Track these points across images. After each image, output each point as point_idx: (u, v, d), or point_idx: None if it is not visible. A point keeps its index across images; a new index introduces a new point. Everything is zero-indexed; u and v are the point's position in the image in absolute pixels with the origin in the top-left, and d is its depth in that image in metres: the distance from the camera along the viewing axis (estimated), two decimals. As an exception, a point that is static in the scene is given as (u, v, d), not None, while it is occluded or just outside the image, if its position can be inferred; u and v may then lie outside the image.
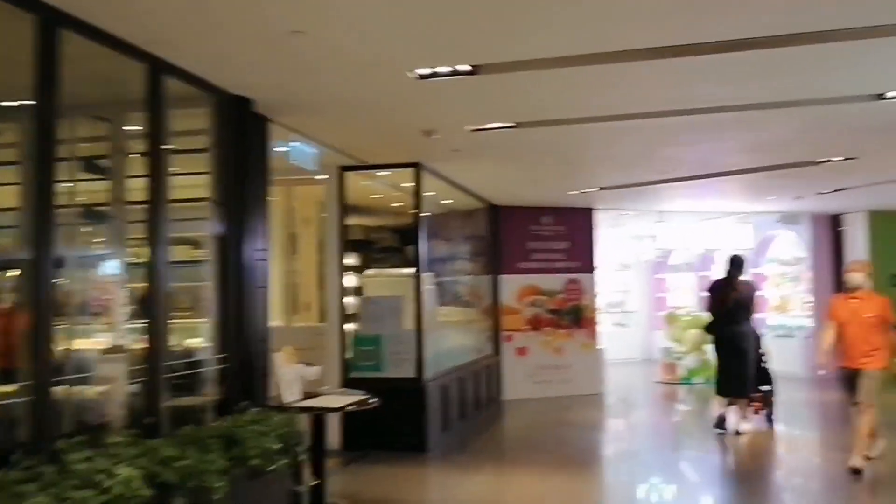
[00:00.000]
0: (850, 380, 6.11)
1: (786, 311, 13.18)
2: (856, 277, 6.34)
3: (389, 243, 9.66)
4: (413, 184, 7.21)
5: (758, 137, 6.43)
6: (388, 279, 7.86)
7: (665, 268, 16.31)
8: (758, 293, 8.32)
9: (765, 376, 8.09)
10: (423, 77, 4.41)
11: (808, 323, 12.51)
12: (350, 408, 4.76)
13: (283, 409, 4.68)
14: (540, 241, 10.80)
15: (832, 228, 12.54)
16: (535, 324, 10.66)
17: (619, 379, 12.67)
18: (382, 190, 8.68)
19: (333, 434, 7.03)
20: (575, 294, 10.88)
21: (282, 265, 7.65)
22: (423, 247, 7.39)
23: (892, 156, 7.20)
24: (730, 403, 7.92)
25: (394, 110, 5.36)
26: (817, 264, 12.44)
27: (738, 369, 7.75)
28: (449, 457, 7.16)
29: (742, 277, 8.09)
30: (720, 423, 7.88)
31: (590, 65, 4.24)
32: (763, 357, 8.10)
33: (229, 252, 4.75)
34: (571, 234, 10.94)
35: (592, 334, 10.96)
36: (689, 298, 15.55)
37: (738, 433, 7.77)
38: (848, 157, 7.15)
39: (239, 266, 4.81)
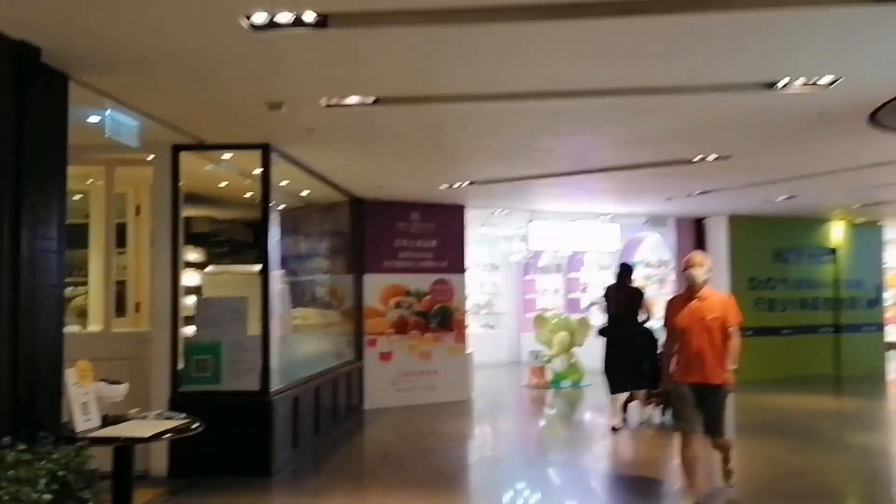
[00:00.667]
0: (686, 398, 5.06)
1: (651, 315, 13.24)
2: (696, 274, 5.20)
3: (238, 237, 8.64)
4: (261, 169, 6.26)
5: (634, 131, 6.06)
6: (233, 277, 6.89)
7: (534, 269, 16.15)
8: (647, 296, 8.73)
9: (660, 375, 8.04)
10: (258, 28, 3.56)
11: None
12: (164, 437, 3.80)
13: (73, 440, 3.66)
14: (408, 238, 10.11)
15: (696, 232, 12.72)
16: (401, 327, 9.96)
17: (488, 383, 12.21)
18: (230, 177, 7.66)
19: (159, 459, 5.99)
20: (443, 295, 10.28)
21: (105, 260, 6.46)
22: (273, 241, 6.47)
23: (765, 156, 7.09)
24: (628, 400, 8.35)
25: (230, 73, 4.44)
26: (681, 267, 12.54)
27: (631, 366, 8.10)
28: (298, 479, 6.29)
29: (633, 283, 8.66)
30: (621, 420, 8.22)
31: (463, 23, 3.56)
32: (659, 357, 7.98)
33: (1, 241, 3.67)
34: (441, 232, 10.33)
35: (461, 338, 10.40)
36: (557, 300, 15.46)
37: (613, 429, 8.07)
38: (722, 156, 6.95)
39: (15, 259, 3.74)
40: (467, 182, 8.47)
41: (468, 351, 10.57)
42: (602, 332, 8.61)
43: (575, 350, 12.04)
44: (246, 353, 6.08)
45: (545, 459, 7.53)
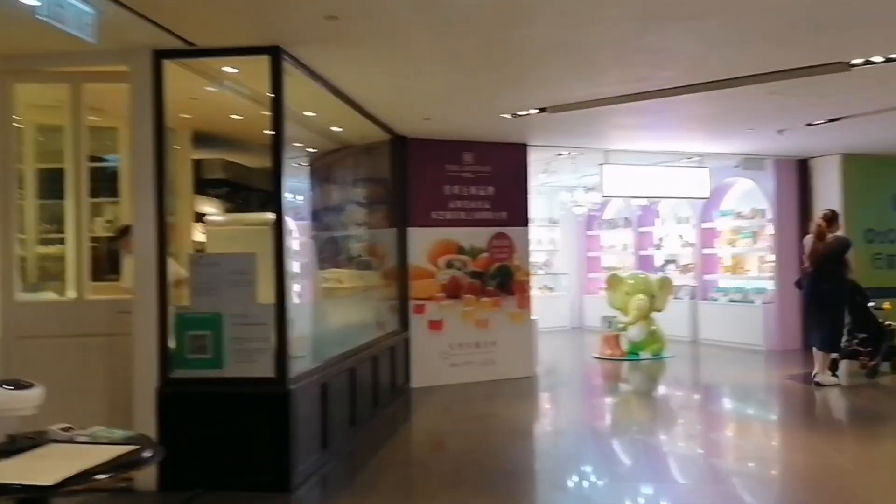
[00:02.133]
0: None
1: (741, 272, 11.41)
2: None
3: (259, 185, 7.13)
4: (271, 81, 4.64)
5: (783, 15, 4.26)
6: (244, 231, 5.33)
7: (598, 223, 14.35)
8: (850, 248, 8.03)
9: (870, 328, 8.28)
10: None
11: (769, 286, 10.77)
12: (73, 487, 2.25)
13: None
14: (460, 184, 8.45)
15: (799, 175, 10.75)
16: (454, 290, 8.37)
17: (552, 355, 10.60)
18: (244, 107, 6.11)
19: (148, 468, 4.54)
20: (503, 252, 8.63)
21: (75, 209, 4.98)
22: (293, 184, 4.89)
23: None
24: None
25: None
26: (781, 218, 10.65)
27: (823, 324, 7.85)
28: (327, 495, 4.81)
29: (836, 232, 8.00)
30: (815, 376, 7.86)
31: None
32: (867, 309, 8.30)
33: None
34: (499, 176, 8.64)
35: (524, 303, 8.76)
36: (626, 258, 13.68)
37: (816, 384, 7.84)
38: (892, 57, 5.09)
39: None
40: (536, 109, 6.73)
41: (532, 317, 8.94)
42: (798, 284, 8.49)
43: (654, 315, 10.32)
44: (256, 328, 4.55)
45: (633, 453, 5.91)
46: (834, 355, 7.98)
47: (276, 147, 4.63)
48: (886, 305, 8.94)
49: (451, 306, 8.33)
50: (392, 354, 7.40)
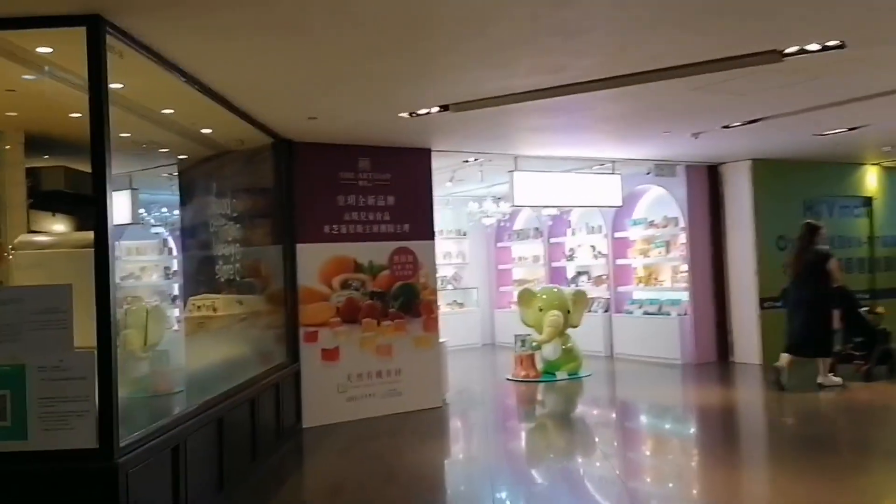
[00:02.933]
0: None
1: (655, 284, 10.97)
2: None
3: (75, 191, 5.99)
4: (87, 58, 3.56)
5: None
6: (68, 255, 4.19)
7: (509, 234, 13.71)
8: (832, 262, 8.13)
9: (864, 333, 8.51)
10: None
11: (684, 297, 10.34)
12: None
13: None
14: (356, 194, 7.51)
15: (710, 182, 10.40)
16: (351, 313, 7.40)
17: (463, 378, 9.78)
18: (82, 102, 4.96)
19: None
20: (407, 269, 7.74)
21: None
22: (109, 185, 3.73)
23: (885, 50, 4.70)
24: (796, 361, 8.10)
25: None
26: (693, 226, 10.26)
27: (810, 330, 7.95)
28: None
29: (818, 245, 8.15)
30: (777, 377, 8.04)
31: None
32: (859, 314, 8.49)
33: None
34: (401, 184, 7.75)
35: (431, 324, 7.89)
36: (537, 271, 13.08)
37: (819, 386, 8.03)
38: (829, 45, 4.54)
39: None
40: (438, 107, 5.89)
41: (441, 340, 8.08)
42: (782, 294, 8.76)
43: (570, 332, 9.68)
44: (72, 385, 3.45)
45: (550, 488, 5.12)
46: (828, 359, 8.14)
47: (97, 142, 3.55)
48: (880, 310, 8.94)
49: (348, 332, 7.36)
50: (277, 392, 6.36)
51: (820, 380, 8.08)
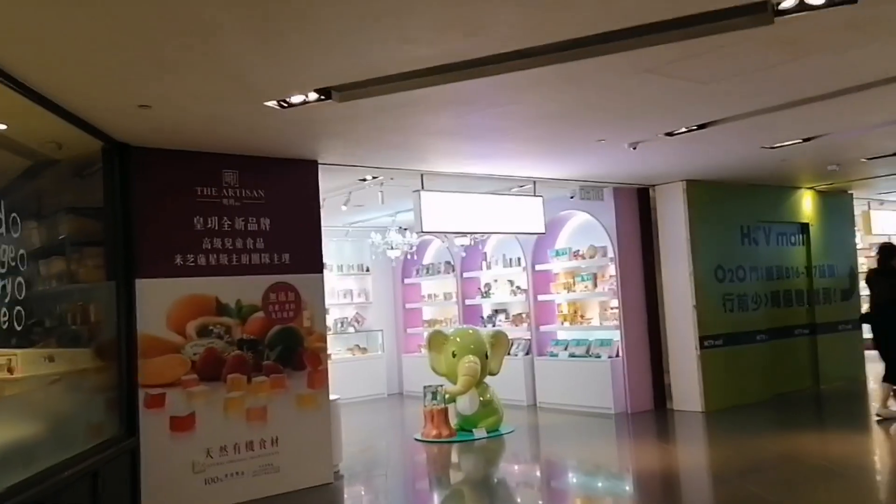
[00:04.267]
0: None
1: (581, 322, 9.75)
2: None
3: None
4: None
5: None
6: None
7: (417, 268, 12.27)
8: None
9: None
10: None
11: (614, 337, 9.14)
12: None
13: None
14: (219, 215, 5.89)
15: (640, 205, 9.33)
16: (212, 368, 5.72)
17: (364, 439, 8.17)
18: None
19: None
20: (287, 310, 6.14)
21: None
22: None
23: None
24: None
25: None
26: (623, 256, 9.13)
27: (887, 356, 7.81)
28: None
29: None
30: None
31: None
32: None
33: None
34: (279, 205, 6.19)
35: (319, 379, 6.27)
36: (449, 310, 11.68)
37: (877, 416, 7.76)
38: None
39: None
40: (315, 94, 4.41)
41: (332, 398, 6.48)
42: (864, 319, 8.68)
43: (488, 380, 8.28)
44: None
45: None
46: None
47: None
48: None
49: (207, 393, 5.67)
50: (96, 482, 4.59)
51: (878, 410, 7.77)
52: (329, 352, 6.73)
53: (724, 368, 8.86)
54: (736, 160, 7.73)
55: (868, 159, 8.11)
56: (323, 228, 6.44)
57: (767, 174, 8.83)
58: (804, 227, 10.26)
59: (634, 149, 6.59)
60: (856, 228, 11.55)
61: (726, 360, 8.91)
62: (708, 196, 9.00)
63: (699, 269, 8.79)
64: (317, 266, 6.34)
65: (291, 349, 6.07)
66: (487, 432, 8.00)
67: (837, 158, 8.05)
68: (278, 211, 6.13)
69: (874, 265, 8.30)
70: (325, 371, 6.27)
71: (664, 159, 7.48)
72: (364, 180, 7.54)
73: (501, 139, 6.12)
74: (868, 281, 8.25)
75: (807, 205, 10.28)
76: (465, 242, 10.21)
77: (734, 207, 9.30)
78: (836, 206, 10.77)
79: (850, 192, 10.93)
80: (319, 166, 6.44)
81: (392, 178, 7.49)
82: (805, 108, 5.45)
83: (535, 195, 8.40)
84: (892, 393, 7.87)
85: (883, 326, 7.88)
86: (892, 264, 7.93)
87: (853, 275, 10.85)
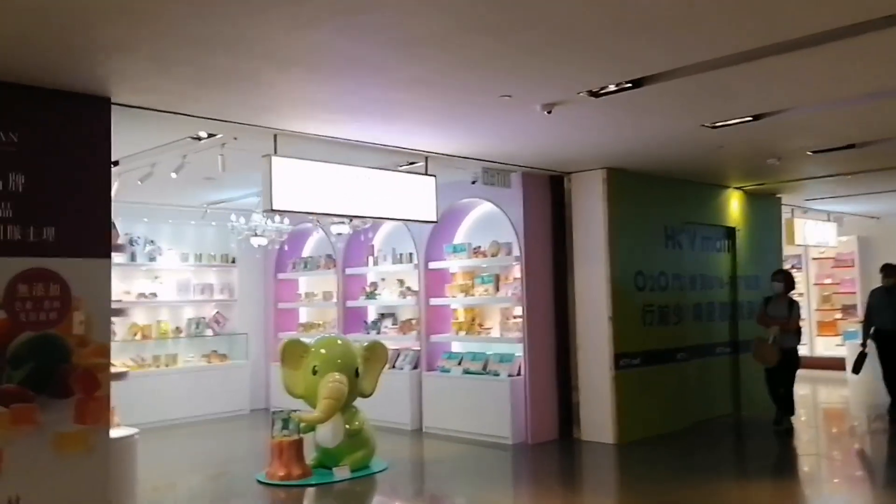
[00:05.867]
0: None
1: (479, 332, 8.20)
2: None
3: None
4: None
5: None
6: None
7: (294, 261, 10.44)
8: None
9: None
10: None
11: (517, 351, 7.63)
12: None
13: None
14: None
15: (552, 196, 7.87)
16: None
17: (187, 480, 6.31)
18: None
19: None
20: (44, 309, 4.23)
21: None
22: None
23: None
24: None
25: None
26: (531, 255, 7.64)
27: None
28: None
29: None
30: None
31: None
32: None
33: None
34: (42, 154, 4.28)
35: (93, 410, 4.37)
36: (329, 313, 9.93)
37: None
38: None
39: None
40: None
41: (122, 433, 4.59)
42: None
43: (359, 403, 6.58)
44: None
45: None
46: None
47: None
48: None
49: None
50: None
51: None
52: (123, 367, 4.86)
53: (640, 392, 7.52)
54: (668, 142, 6.36)
55: (814, 153, 6.92)
56: (176, 208, 4.62)
57: (699, 166, 7.56)
58: (730, 232, 9.10)
59: (549, 113, 5.05)
60: (780, 237, 10.55)
61: (643, 382, 7.57)
62: (631, 189, 7.64)
63: (617, 274, 7.41)
64: (101, 247, 4.46)
65: (48, 367, 4.17)
66: (353, 471, 6.29)
67: (781, 149, 6.83)
68: (39, 164, 4.23)
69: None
70: (105, 399, 4.38)
71: (584, 135, 6.01)
72: (198, 139, 5.70)
73: (376, 82, 4.43)
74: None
75: (734, 207, 9.12)
76: (342, 230, 8.46)
77: (659, 205, 7.98)
78: (765, 210, 9.70)
79: (778, 195, 9.88)
80: (112, 106, 4.56)
81: (236, 138, 5.68)
82: (773, 63, 4.06)
83: (426, 174, 6.77)
84: None
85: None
86: None
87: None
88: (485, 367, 7.81)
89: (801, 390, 9.42)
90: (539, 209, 7.73)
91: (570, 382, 7.63)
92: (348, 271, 9.52)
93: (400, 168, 6.87)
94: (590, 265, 7.50)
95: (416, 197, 6.68)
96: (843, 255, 12.81)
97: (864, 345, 8.54)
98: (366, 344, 6.81)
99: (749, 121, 5.49)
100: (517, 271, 7.72)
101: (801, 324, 8.13)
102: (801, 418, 8.27)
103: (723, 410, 8.71)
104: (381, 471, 6.45)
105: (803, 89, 4.84)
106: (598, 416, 7.38)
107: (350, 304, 9.46)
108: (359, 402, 6.55)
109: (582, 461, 7.05)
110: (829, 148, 6.73)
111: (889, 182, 8.81)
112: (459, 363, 8.06)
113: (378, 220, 8.29)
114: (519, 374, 7.53)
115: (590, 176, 7.52)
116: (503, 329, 7.97)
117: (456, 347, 8.38)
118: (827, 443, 7.83)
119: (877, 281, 8.79)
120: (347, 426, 6.34)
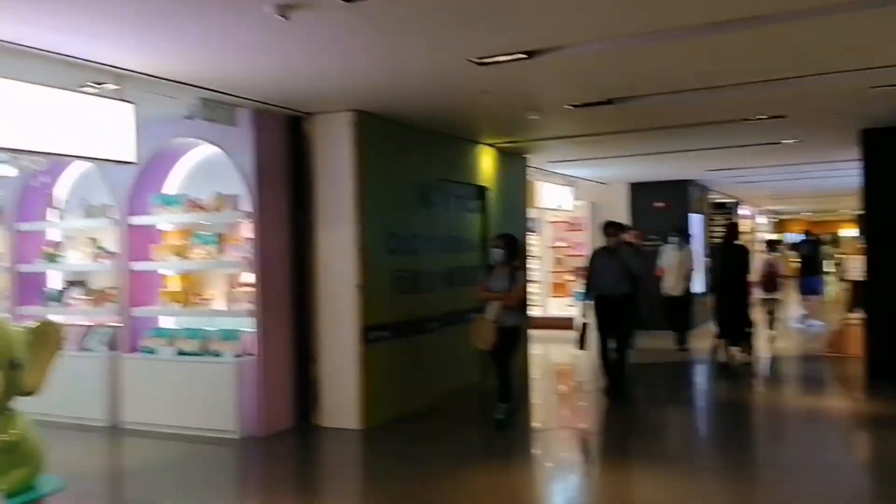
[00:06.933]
0: None
1: (197, 304, 6.71)
2: None
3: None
4: None
5: None
6: None
7: None
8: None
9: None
10: None
11: (246, 327, 6.33)
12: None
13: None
14: None
15: (290, 143, 6.59)
16: None
17: None
18: None
19: None
20: None
21: None
22: None
23: None
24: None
25: None
26: (264, 211, 6.33)
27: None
28: None
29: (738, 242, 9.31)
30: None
31: None
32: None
33: None
34: None
35: None
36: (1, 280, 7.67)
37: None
38: None
39: None
40: None
41: None
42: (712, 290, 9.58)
43: (20, 404, 4.80)
44: None
45: None
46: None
47: None
48: None
49: None
50: None
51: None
52: None
53: (389, 368, 6.68)
54: (428, 81, 5.44)
55: (574, 106, 6.49)
56: None
57: (456, 115, 6.82)
58: (482, 192, 8.59)
59: (286, 18, 3.79)
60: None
61: (392, 356, 6.74)
62: (382, 139, 6.67)
63: (368, 236, 6.42)
64: None
65: None
66: (9, 498, 4.55)
67: (542, 101, 6.30)
68: None
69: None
70: None
71: (330, 60, 4.85)
72: None
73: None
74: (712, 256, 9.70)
75: (486, 165, 8.62)
76: (7, 172, 6.37)
77: (412, 159, 7.13)
78: (513, 170, 9.37)
79: (524, 155, 9.62)
80: None
81: None
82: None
83: (122, 100, 5.10)
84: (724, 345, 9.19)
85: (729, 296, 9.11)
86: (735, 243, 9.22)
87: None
88: (204, 347, 6.39)
89: (535, 350, 9.37)
90: (275, 156, 6.43)
91: (309, 362, 6.53)
92: (23, 227, 7.35)
93: (84, 89, 5.10)
94: (335, 225, 6.41)
95: (107, 130, 4.99)
96: (575, 218, 13.25)
97: (584, 315, 7.78)
98: (31, 326, 5.01)
99: (522, 58, 4.74)
100: (247, 230, 6.37)
101: (530, 295, 7.30)
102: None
103: (470, 381, 8.23)
104: (53, 491, 4.79)
105: (584, 18, 4.16)
106: (342, 399, 6.40)
107: (24, 268, 7.33)
108: (21, 403, 4.79)
109: (320, 455, 6.06)
110: (588, 102, 6.34)
111: (632, 145, 8.92)
112: (171, 342, 6.53)
113: (58, 161, 6.35)
114: (248, 354, 6.25)
115: (335, 119, 6.38)
116: (229, 300, 6.58)
117: (166, 323, 6.81)
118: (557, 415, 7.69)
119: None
120: (2, 436, 4.58)
